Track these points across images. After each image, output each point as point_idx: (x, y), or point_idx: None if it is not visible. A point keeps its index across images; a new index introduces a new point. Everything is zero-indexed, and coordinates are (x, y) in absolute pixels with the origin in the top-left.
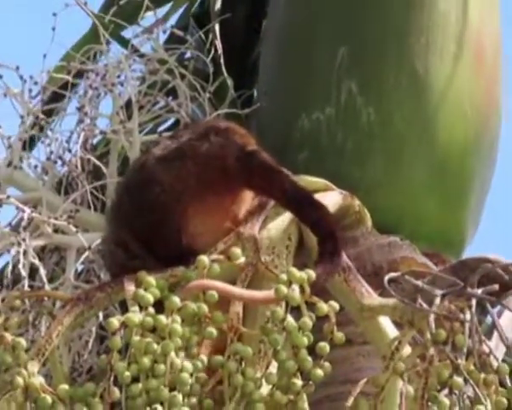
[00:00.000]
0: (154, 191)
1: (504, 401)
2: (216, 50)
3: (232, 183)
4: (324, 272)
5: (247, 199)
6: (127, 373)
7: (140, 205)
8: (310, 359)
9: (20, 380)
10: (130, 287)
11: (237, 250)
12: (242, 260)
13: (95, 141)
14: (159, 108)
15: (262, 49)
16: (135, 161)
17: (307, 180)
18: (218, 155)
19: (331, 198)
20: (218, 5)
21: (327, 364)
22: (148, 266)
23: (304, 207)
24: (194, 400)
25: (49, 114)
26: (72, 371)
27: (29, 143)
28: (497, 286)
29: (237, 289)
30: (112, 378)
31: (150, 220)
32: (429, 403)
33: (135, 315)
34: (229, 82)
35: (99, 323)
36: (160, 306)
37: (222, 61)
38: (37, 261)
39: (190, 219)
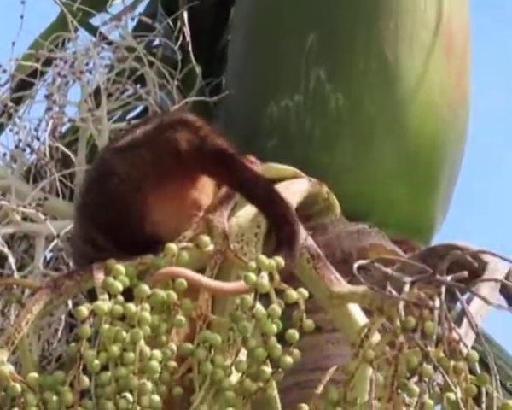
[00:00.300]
0: (113, 183)
1: (474, 388)
2: (184, 38)
3: (187, 168)
4: (284, 258)
5: (209, 185)
6: (96, 361)
7: (101, 198)
8: (279, 346)
9: None
10: (99, 275)
11: (206, 238)
12: (211, 247)
13: (63, 129)
14: (127, 96)
15: (230, 37)
16: (94, 159)
17: (276, 168)
18: (172, 141)
19: (300, 186)
20: None
21: (296, 351)
22: (115, 257)
23: (257, 192)
24: (163, 388)
25: (17, 101)
26: (41, 359)
27: None
28: (466, 273)
29: (206, 279)
30: (81, 367)
31: (112, 212)
32: (399, 391)
33: (104, 303)
34: (198, 69)
35: (68, 311)
36: (129, 294)
37: (190, 48)
38: (5, 249)
39: (151, 206)
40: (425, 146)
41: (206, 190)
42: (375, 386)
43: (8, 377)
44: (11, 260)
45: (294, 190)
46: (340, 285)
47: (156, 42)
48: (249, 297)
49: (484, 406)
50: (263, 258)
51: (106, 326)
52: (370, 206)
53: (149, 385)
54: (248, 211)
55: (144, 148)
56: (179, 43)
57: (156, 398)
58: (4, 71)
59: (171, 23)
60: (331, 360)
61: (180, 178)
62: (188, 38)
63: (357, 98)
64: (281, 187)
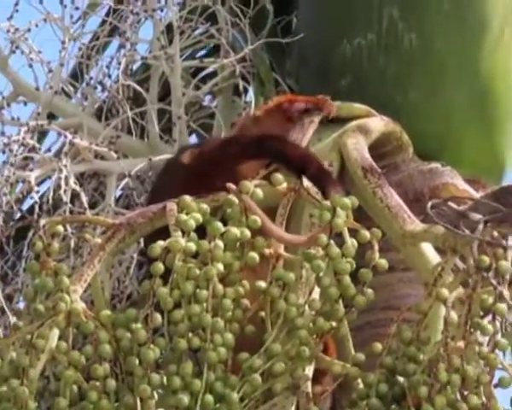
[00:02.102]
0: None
1: None
2: None
3: None
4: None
5: None
6: (169, 299)
7: None
8: (352, 285)
9: (62, 305)
10: (172, 212)
11: (279, 175)
12: (284, 185)
13: (135, 67)
14: (199, 34)
15: None
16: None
17: (349, 106)
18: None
19: (373, 124)
20: None
21: (369, 290)
22: None
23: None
24: (236, 326)
25: (89, 40)
26: (112, 297)
27: (70, 69)
28: None
29: (277, 230)
30: (154, 304)
31: None
32: (472, 330)
33: (178, 240)
34: (270, 7)
35: (140, 249)
36: (202, 232)
37: None
38: (77, 187)
39: None
40: (496, 85)
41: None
42: (449, 325)
43: (82, 315)
44: (83, 198)
45: (369, 128)
46: (413, 224)
47: None
48: (323, 236)
49: None
50: (337, 196)
51: (179, 263)
52: (442, 145)
53: (222, 323)
54: (321, 149)
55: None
56: None
57: (229, 336)
58: (77, 8)
59: None
60: (403, 299)
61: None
62: None
63: (430, 38)
64: (354, 124)
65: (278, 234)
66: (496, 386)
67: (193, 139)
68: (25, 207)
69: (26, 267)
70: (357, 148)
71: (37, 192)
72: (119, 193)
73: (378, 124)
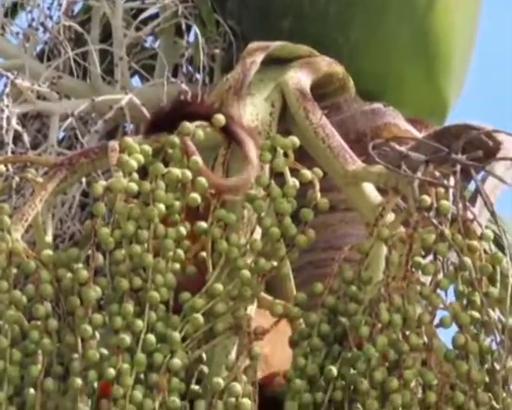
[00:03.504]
0: None
1: (489, 266)
2: None
3: None
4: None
5: None
6: (111, 239)
7: None
8: (293, 225)
9: (3, 245)
10: (113, 153)
11: (221, 116)
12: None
13: (76, 8)
14: None
15: None
16: None
17: (291, 47)
18: None
19: (316, 64)
20: None
21: (311, 230)
22: None
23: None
24: (177, 266)
25: None
26: (54, 237)
27: (11, 11)
28: (481, 152)
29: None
30: (95, 244)
31: None
32: (413, 269)
33: (119, 180)
34: None
35: (82, 189)
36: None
37: None
38: (20, 128)
39: None
40: (437, 23)
41: None
42: (390, 265)
43: (22, 254)
44: (25, 138)
45: (310, 69)
46: (355, 164)
47: None
48: (265, 176)
49: (498, 284)
50: (278, 136)
51: (121, 203)
52: (384, 85)
53: (163, 263)
54: (262, 89)
55: None
56: None
57: (170, 276)
58: None
59: None
60: (344, 238)
61: None
62: None
63: None
64: (296, 65)
65: (216, 181)
66: (437, 326)
67: (135, 80)
68: None
69: None
70: (299, 88)
71: None
72: (62, 135)
73: (320, 64)
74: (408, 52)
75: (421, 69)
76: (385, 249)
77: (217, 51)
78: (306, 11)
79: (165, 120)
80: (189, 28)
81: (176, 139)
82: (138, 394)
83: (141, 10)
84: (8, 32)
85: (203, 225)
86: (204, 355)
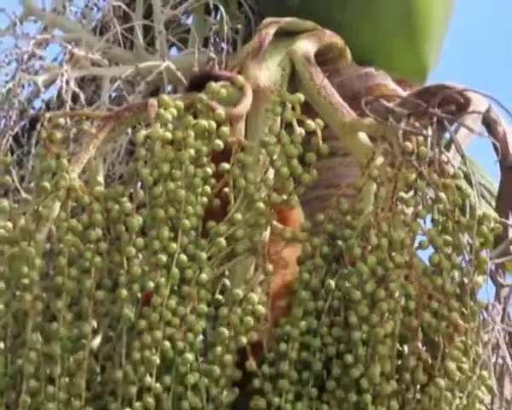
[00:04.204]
0: None
1: (459, 199)
2: None
3: None
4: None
5: None
6: (150, 178)
7: None
8: (300, 166)
9: (62, 182)
10: (152, 108)
11: (241, 77)
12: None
13: None
14: None
15: None
16: None
17: (298, 22)
18: None
19: (319, 36)
20: None
21: (314, 171)
22: None
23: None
24: (204, 199)
25: None
26: (106, 178)
27: None
28: (453, 107)
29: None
30: (138, 183)
31: None
32: (398, 202)
33: (157, 130)
34: None
35: (129, 139)
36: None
37: None
38: (77, 89)
39: None
40: (419, 1)
41: None
42: (379, 199)
43: (79, 190)
44: (82, 97)
45: (315, 39)
46: (351, 117)
47: None
48: (276, 125)
49: (467, 215)
50: (287, 93)
51: (158, 149)
52: (375, 53)
53: (193, 197)
54: (276, 56)
55: None
56: None
57: (199, 207)
58: None
59: None
60: (342, 178)
61: None
62: None
63: None
64: (303, 36)
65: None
66: (417, 248)
67: (172, 51)
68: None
69: (34, 153)
70: (305, 55)
71: (45, 93)
72: (113, 95)
73: (323, 36)
74: (394, 26)
75: (405, 39)
76: (375, 186)
77: (238, 26)
78: None
79: (196, 82)
80: (216, 8)
81: (203, 96)
82: (173, 302)
83: None
84: (68, 10)
85: (226, 166)
86: (226, 271)
